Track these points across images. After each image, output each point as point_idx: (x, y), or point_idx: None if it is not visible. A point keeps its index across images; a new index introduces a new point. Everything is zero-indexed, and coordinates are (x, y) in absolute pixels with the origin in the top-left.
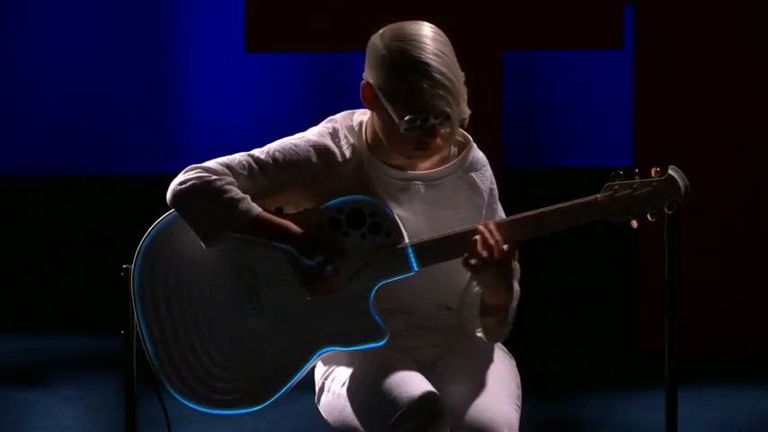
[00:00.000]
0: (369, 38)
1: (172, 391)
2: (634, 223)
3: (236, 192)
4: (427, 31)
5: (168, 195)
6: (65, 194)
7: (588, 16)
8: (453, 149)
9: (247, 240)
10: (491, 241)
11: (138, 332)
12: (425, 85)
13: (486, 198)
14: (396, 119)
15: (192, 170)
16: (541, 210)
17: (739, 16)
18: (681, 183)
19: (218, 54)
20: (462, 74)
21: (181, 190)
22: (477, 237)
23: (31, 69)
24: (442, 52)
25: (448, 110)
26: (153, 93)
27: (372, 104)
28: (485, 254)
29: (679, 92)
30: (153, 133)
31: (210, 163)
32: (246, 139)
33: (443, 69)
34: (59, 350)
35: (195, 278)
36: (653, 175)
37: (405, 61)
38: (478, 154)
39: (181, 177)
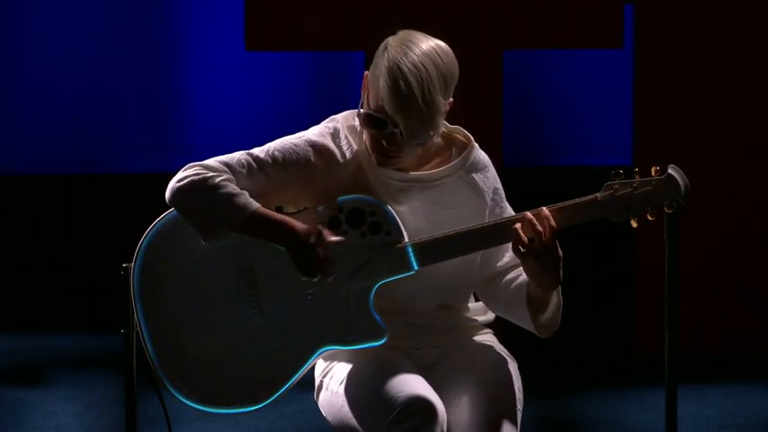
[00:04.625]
0: (369, 37)
1: (172, 390)
2: (634, 223)
3: (234, 187)
4: (426, 45)
5: (167, 193)
6: (65, 194)
7: (588, 15)
8: (455, 150)
9: (247, 239)
10: (539, 227)
11: (137, 331)
12: (388, 88)
13: (488, 199)
14: (362, 112)
15: (190, 168)
16: (540, 209)
17: (739, 16)
18: (681, 182)
19: (218, 53)
20: (443, 101)
21: (179, 187)
22: (524, 222)
23: (31, 69)
24: (425, 69)
25: (397, 119)
26: (153, 92)
27: (365, 93)
28: (534, 239)
29: (679, 91)
30: (153, 132)
31: (209, 161)
32: (246, 138)
33: (413, 82)
34: (59, 349)
35: (195, 277)
36: (653, 174)
37: (386, 60)
38: (480, 154)
39: (179, 175)
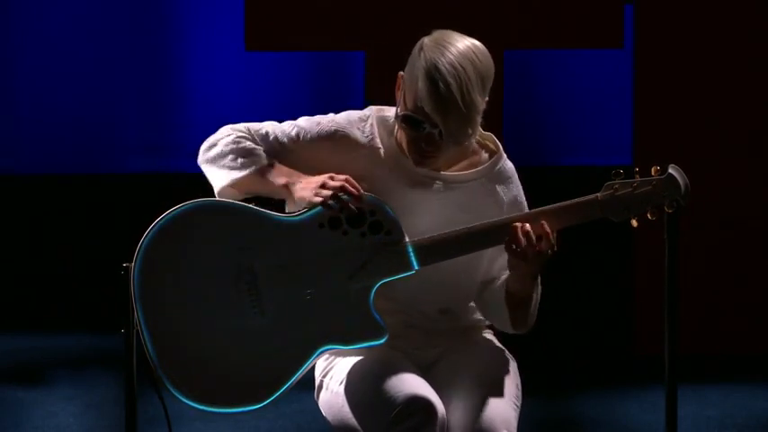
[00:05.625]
0: (369, 37)
1: (172, 390)
2: (634, 222)
3: (251, 144)
4: (462, 45)
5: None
6: (65, 194)
7: (588, 15)
8: (484, 155)
9: (247, 240)
10: (535, 232)
11: (137, 331)
12: (426, 89)
13: (504, 210)
14: (399, 113)
15: (222, 130)
16: (543, 208)
17: (739, 16)
18: (681, 181)
19: (218, 52)
20: (481, 101)
21: (207, 144)
22: (524, 226)
23: (30, 69)
24: (463, 68)
25: (437, 120)
26: (153, 92)
27: (398, 93)
28: (528, 246)
29: (679, 91)
30: (153, 132)
31: (239, 125)
32: None
33: (451, 82)
34: (59, 349)
35: (195, 277)
36: (653, 173)
37: (423, 61)
38: (507, 164)
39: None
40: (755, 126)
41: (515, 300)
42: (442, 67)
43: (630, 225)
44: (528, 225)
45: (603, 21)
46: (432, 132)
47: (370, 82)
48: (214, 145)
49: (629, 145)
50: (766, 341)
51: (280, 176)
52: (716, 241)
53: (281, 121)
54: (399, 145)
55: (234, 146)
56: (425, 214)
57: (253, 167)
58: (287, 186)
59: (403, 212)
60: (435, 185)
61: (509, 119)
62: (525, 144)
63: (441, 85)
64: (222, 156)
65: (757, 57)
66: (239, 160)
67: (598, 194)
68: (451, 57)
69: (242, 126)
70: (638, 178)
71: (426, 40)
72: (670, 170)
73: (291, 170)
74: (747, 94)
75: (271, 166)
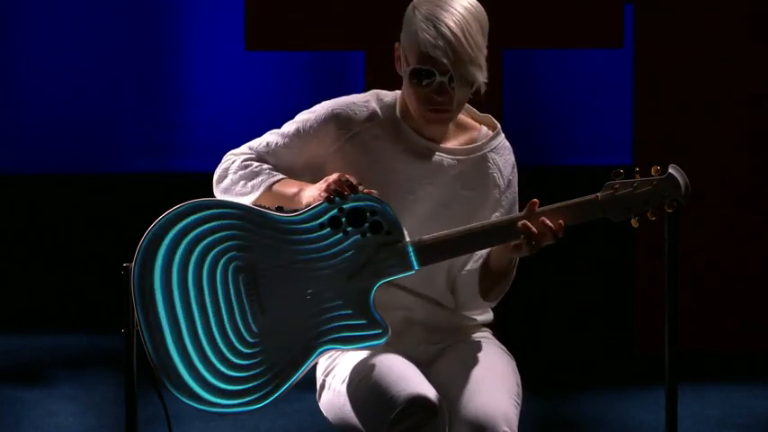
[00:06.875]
0: (369, 37)
1: (172, 390)
2: (634, 222)
3: (257, 164)
4: (455, 1)
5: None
6: (65, 193)
7: (588, 15)
8: (483, 132)
9: (247, 239)
10: (551, 226)
11: (138, 330)
12: (428, 36)
13: (505, 180)
14: (406, 70)
15: (226, 158)
16: (542, 208)
17: (739, 15)
18: (681, 181)
19: (218, 52)
20: (483, 43)
21: (217, 176)
22: (545, 221)
23: (31, 68)
24: (462, 16)
25: (446, 62)
26: (153, 91)
27: (398, 65)
28: (539, 238)
29: (679, 91)
30: (153, 132)
31: (241, 148)
32: (246, 138)
33: (453, 26)
34: (59, 348)
35: (195, 277)
36: (653, 173)
37: (420, 15)
38: (505, 142)
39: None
40: (755, 126)
41: (496, 275)
42: (441, 16)
43: (630, 225)
44: (547, 220)
45: (603, 20)
46: (442, 81)
47: (370, 82)
48: (224, 176)
49: (629, 145)
50: (766, 341)
51: (291, 187)
52: (716, 241)
53: (280, 126)
54: (403, 115)
55: (242, 171)
56: (428, 187)
57: (262, 187)
58: (298, 194)
59: (407, 185)
60: (437, 157)
61: (509, 119)
62: (525, 144)
63: (444, 29)
64: (234, 183)
65: (757, 56)
66: (248, 184)
67: (598, 194)
68: (448, 8)
69: (244, 148)
70: (638, 178)
71: (416, 1)
72: (670, 170)
73: (300, 182)
74: (747, 94)
75: (279, 180)
